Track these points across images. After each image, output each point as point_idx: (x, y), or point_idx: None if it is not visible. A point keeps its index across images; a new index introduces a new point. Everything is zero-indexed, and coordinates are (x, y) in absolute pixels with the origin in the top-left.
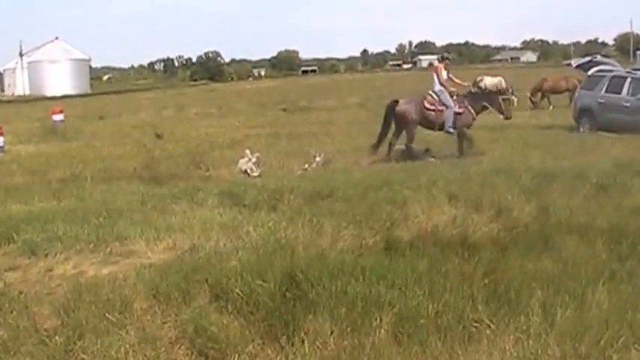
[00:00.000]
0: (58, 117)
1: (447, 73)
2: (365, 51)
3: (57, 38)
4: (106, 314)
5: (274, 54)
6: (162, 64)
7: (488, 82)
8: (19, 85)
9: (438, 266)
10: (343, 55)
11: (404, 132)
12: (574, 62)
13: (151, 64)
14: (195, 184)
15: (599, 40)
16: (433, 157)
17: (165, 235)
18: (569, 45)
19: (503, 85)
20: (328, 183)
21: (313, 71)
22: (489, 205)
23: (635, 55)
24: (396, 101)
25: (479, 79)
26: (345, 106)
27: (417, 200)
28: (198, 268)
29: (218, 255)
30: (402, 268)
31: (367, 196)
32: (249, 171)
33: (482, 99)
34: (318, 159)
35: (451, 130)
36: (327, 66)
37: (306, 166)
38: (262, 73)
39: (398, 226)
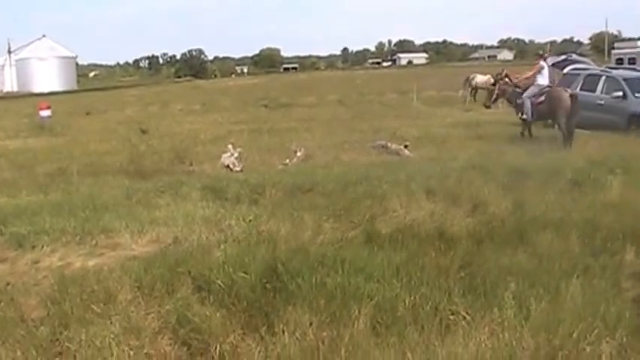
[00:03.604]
0: (45, 113)
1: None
2: (345, 49)
3: (44, 36)
4: (91, 305)
5: (257, 52)
6: (147, 61)
7: (479, 79)
8: (7, 82)
9: (416, 259)
10: (324, 53)
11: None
12: (550, 61)
13: (137, 62)
14: (179, 179)
15: (575, 39)
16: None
17: (149, 228)
18: (545, 44)
19: (492, 81)
20: (309, 178)
21: (294, 69)
22: (466, 200)
23: (609, 53)
24: (566, 90)
25: (472, 77)
26: (325, 103)
27: (396, 195)
28: (182, 260)
29: (201, 248)
30: (380, 261)
31: (347, 190)
32: (231, 166)
33: None
34: (298, 154)
35: None
36: (307, 63)
37: (287, 161)
38: (245, 70)
39: (377, 220)
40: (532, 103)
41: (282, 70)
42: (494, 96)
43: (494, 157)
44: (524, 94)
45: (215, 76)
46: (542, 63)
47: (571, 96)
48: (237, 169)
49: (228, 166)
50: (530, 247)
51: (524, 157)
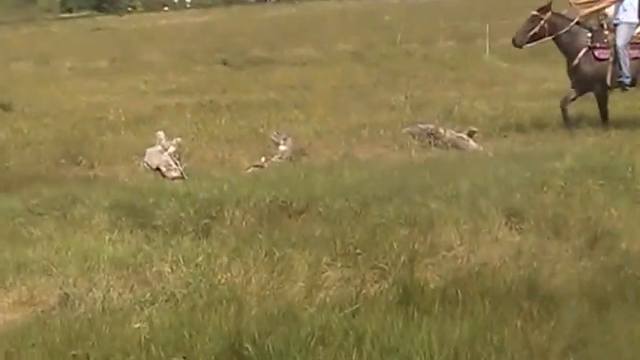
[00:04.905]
0: None
1: None
2: None
3: None
4: None
5: None
6: None
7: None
8: None
9: (489, 333)
10: None
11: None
12: None
13: None
14: (71, 191)
15: None
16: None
17: (16, 279)
18: None
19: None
20: (301, 189)
21: None
22: (578, 228)
23: None
24: None
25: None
26: (330, 58)
27: (453, 220)
28: (75, 336)
29: (109, 314)
30: (426, 337)
31: (367, 211)
32: (163, 168)
33: None
34: (283, 148)
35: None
36: None
37: (263, 159)
38: None
39: (420, 265)
40: (633, 57)
41: None
42: (534, 32)
43: (626, 150)
44: (618, 43)
45: (133, 9)
46: None
47: None
48: (175, 173)
49: (158, 169)
50: None
51: None
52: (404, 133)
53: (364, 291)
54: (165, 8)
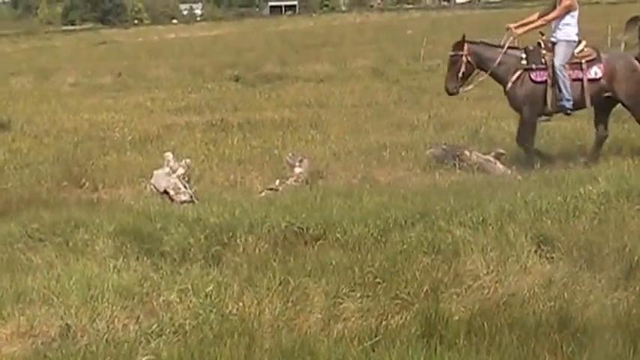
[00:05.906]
0: None
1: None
2: None
3: None
4: None
5: None
6: None
7: None
8: None
9: None
10: None
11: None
12: None
13: None
14: (73, 216)
15: None
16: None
17: (14, 309)
18: None
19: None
20: (317, 214)
21: (290, 8)
22: (613, 256)
23: None
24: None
25: None
26: (348, 74)
27: (480, 247)
28: None
29: (113, 346)
30: None
31: (388, 238)
32: (172, 191)
33: None
34: (298, 170)
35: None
36: (315, 1)
37: (277, 182)
38: (198, 12)
39: (444, 295)
40: (574, 79)
41: (267, 11)
42: (461, 72)
43: None
44: (555, 63)
45: (140, 21)
46: None
47: None
48: (184, 197)
49: (165, 192)
50: None
51: None
52: (427, 154)
53: (385, 323)
54: (174, 21)
